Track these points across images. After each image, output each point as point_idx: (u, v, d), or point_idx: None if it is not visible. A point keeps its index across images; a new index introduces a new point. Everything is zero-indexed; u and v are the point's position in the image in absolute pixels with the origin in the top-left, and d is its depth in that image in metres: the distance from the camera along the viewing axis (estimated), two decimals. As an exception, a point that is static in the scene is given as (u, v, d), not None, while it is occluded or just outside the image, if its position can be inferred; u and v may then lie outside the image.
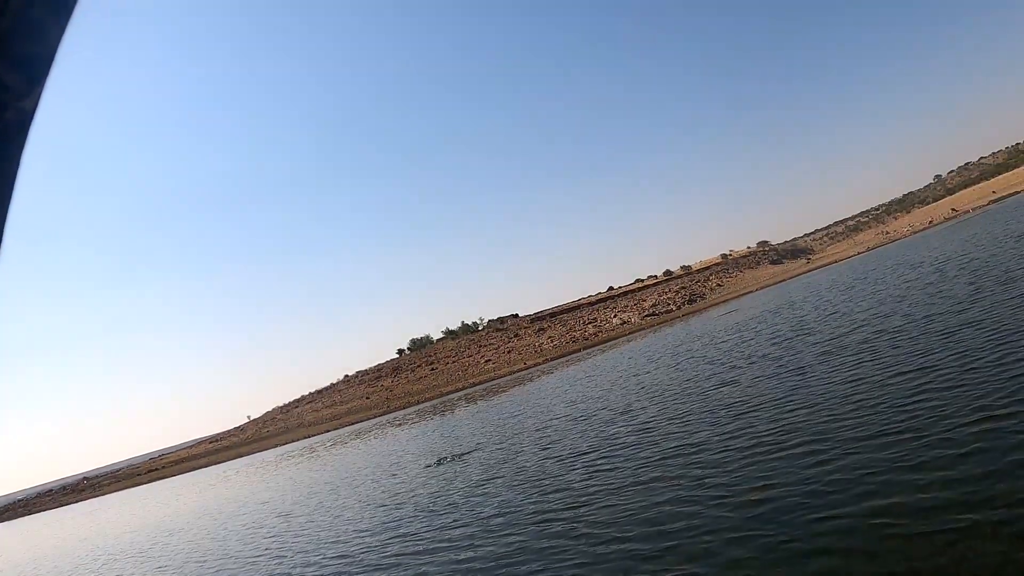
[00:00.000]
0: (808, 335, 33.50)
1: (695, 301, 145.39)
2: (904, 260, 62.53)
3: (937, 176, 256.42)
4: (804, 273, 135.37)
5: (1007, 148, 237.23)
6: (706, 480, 14.87)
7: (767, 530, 10.96)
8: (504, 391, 70.28)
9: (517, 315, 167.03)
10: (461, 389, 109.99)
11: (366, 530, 20.91)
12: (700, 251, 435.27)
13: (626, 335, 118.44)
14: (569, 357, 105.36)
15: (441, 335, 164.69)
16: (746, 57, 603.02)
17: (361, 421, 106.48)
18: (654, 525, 13.00)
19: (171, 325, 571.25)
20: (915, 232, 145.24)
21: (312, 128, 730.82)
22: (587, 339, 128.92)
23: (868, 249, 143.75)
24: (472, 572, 14.09)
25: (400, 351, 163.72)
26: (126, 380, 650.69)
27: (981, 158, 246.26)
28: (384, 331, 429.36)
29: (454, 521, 18.45)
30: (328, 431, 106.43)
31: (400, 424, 68.79)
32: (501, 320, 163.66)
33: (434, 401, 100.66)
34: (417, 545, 17.21)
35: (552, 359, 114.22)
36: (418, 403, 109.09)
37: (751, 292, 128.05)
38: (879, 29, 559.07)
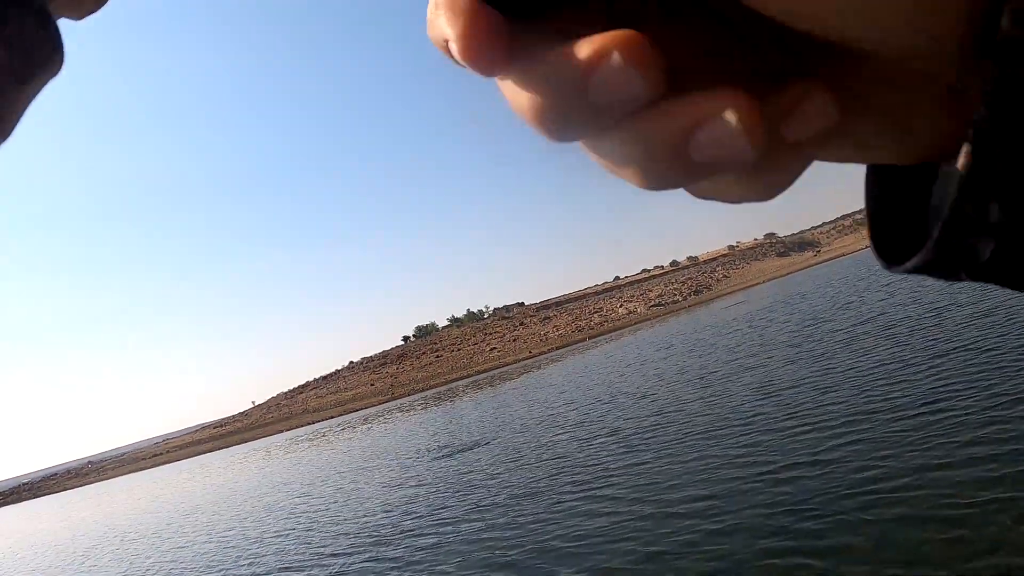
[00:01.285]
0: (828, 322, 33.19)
1: (701, 292, 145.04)
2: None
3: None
4: (812, 266, 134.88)
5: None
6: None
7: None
8: (511, 379, 69.94)
9: (523, 304, 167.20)
10: (466, 377, 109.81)
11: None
12: (707, 242, 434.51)
13: (632, 325, 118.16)
14: (574, 347, 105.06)
15: (447, 323, 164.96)
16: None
17: (366, 408, 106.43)
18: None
19: (176, 310, 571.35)
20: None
21: (320, 113, 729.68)
22: (592, 329, 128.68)
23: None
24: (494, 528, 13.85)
25: (405, 338, 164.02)
26: (131, 365, 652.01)
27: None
28: (390, 318, 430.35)
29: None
30: (333, 417, 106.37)
31: (407, 411, 68.55)
32: (507, 308, 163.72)
33: (439, 388, 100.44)
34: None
35: (557, 348, 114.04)
36: (423, 390, 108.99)
37: (758, 284, 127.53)
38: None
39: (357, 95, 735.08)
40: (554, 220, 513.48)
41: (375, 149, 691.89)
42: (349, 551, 17.31)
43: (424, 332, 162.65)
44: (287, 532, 22.28)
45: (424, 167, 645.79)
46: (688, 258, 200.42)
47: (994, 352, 16.83)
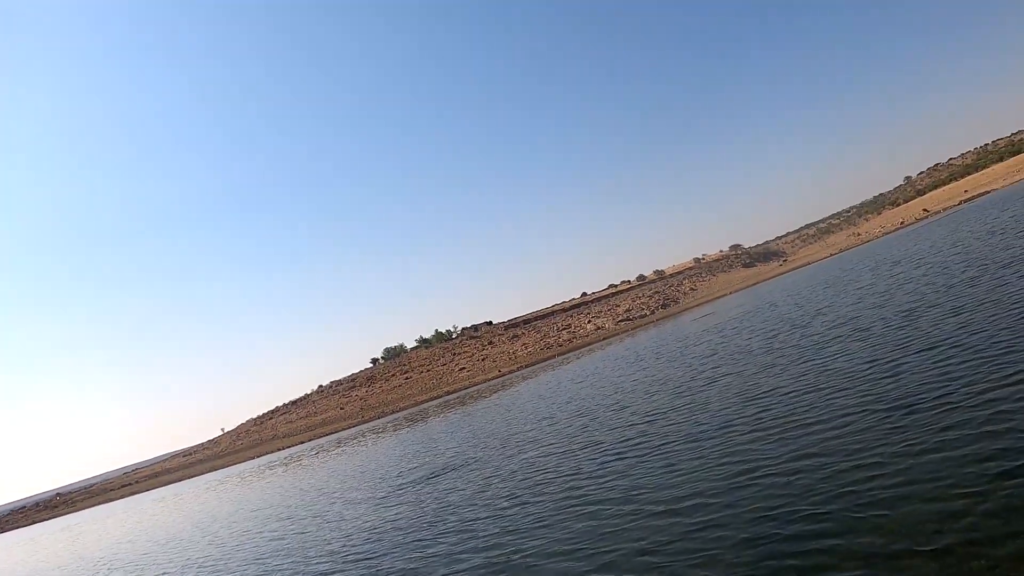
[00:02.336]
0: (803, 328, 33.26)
1: (669, 306, 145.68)
2: (886, 258, 62.50)
3: (907, 177, 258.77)
4: (778, 275, 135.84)
5: (976, 149, 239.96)
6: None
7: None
8: (481, 398, 69.68)
9: (491, 322, 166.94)
10: (436, 398, 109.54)
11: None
12: (673, 256, 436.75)
13: (600, 340, 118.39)
14: (544, 364, 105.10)
15: (415, 344, 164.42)
16: (717, 64, 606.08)
17: (336, 432, 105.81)
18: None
19: (142, 338, 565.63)
20: (887, 233, 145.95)
21: (280, 138, 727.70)
22: (561, 345, 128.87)
23: (840, 251, 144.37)
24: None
25: (374, 360, 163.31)
26: (97, 394, 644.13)
27: (950, 159, 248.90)
28: (358, 340, 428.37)
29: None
30: (303, 442, 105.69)
31: (379, 433, 68.20)
32: (475, 328, 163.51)
33: (409, 410, 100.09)
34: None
35: (527, 366, 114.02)
36: (393, 412, 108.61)
37: (725, 295, 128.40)
38: (848, 37, 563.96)
39: (327, 113, 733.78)
40: (522, 239, 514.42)
41: (342, 172, 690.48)
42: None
43: (393, 353, 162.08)
44: (265, 559, 22.12)
45: (390, 189, 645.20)
46: (655, 272, 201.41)
47: (965, 349, 17.28)
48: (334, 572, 17.36)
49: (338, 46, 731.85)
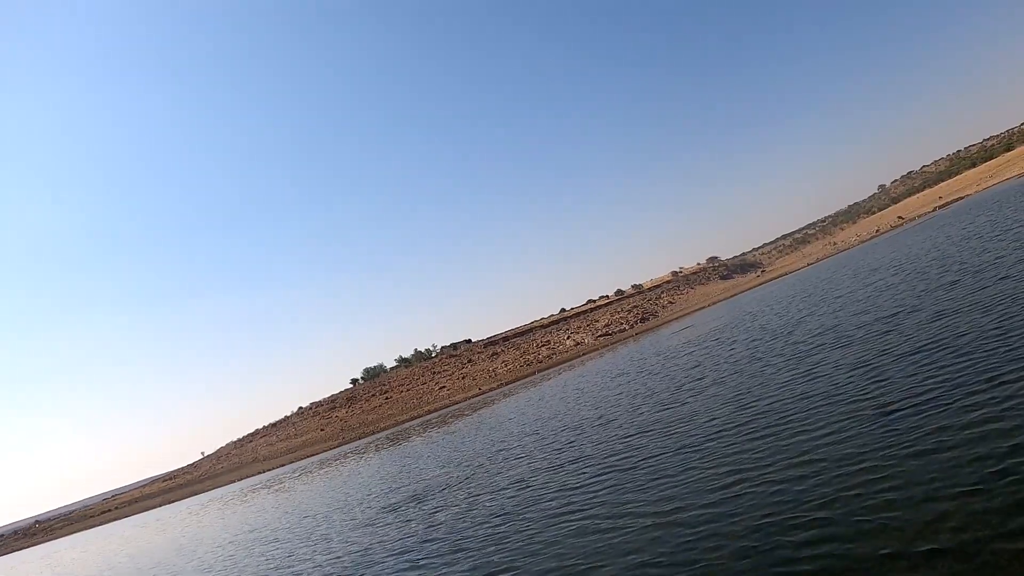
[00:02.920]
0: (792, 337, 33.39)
1: (648, 319, 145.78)
2: (863, 266, 62.83)
3: (881, 186, 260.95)
4: (756, 287, 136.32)
5: (948, 156, 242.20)
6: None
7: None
8: (463, 416, 69.49)
9: (470, 340, 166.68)
10: (417, 417, 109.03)
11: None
12: (651, 269, 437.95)
13: (580, 356, 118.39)
14: (524, 381, 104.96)
15: (395, 363, 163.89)
16: (692, 80, 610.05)
17: (317, 454, 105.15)
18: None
19: (119, 363, 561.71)
20: (863, 241, 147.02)
21: (257, 157, 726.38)
22: (541, 362, 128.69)
23: (817, 260, 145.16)
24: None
25: (354, 381, 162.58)
26: (74, 420, 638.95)
27: (923, 167, 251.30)
28: (337, 361, 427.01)
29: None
30: (283, 465, 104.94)
31: (361, 454, 67.83)
32: (454, 346, 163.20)
33: (390, 430, 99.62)
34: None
35: (507, 383, 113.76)
36: (374, 433, 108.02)
37: (703, 308, 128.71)
38: (819, 49, 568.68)
39: (301, 134, 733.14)
40: (499, 256, 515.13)
41: (319, 192, 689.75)
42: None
43: (372, 374, 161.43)
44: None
45: (367, 209, 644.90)
46: (633, 286, 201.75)
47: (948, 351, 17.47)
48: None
49: (321, 55, 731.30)
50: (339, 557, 21.02)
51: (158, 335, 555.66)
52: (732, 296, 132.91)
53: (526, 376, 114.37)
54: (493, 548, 15.91)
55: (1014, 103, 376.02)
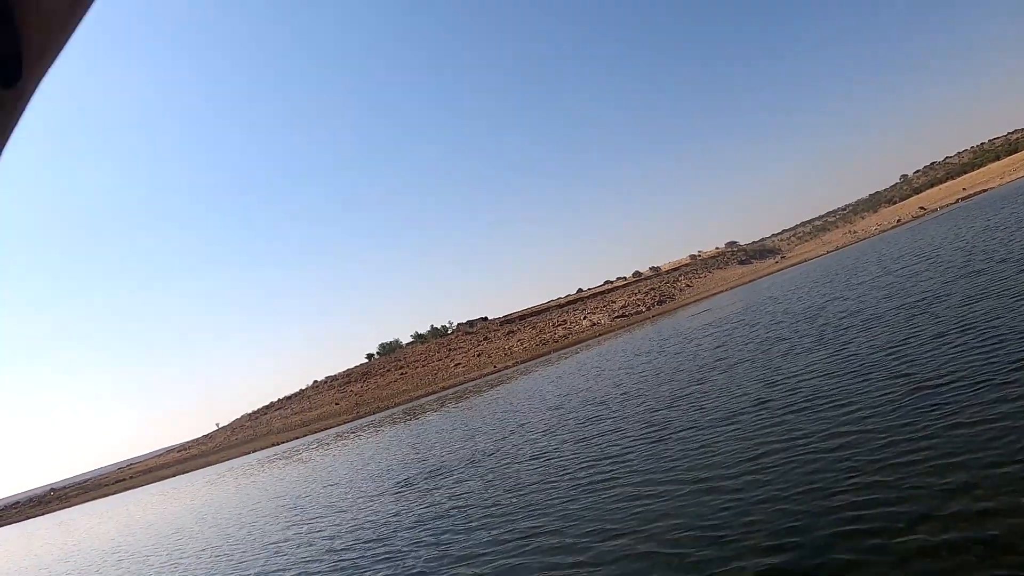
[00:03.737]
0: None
1: (665, 302, 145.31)
2: (885, 254, 62.33)
3: (903, 176, 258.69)
4: (775, 272, 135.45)
5: (972, 148, 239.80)
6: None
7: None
8: (479, 393, 69.21)
9: (486, 318, 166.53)
10: (432, 393, 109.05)
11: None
12: (669, 252, 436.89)
13: (596, 336, 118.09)
14: (540, 359, 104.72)
15: (410, 339, 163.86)
16: (715, 63, 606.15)
17: (331, 427, 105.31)
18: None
19: (136, 333, 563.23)
20: (883, 231, 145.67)
21: (280, 133, 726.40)
22: (557, 341, 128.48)
23: (837, 248, 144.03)
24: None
25: (369, 356, 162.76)
26: (90, 390, 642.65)
27: (947, 158, 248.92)
28: (353, 336, 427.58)
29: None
30: (297, 438, 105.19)
31: (377, 427, 67.74)
32: (470, 323, 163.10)
33: (404, 406, 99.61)
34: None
35: (522, 361, 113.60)
36: (388, 408, 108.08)
37: (721, 292, 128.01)
38: (846, 36, 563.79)
39: (326, 107, 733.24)
40: (518, 234, 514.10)
41: (340, 167, 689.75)
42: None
43: (388, 349, 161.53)
44: (281, 546, 21.95)
45: (387, 185, 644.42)
46: (651, 268, 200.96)
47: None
48: (360, 558, 17.11)
49: (333, 39, 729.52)
50: (366, 523, 20.89)
51: (178, 308, 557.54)
52: (750, 281, 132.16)
53: (542, 355, 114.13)
54: (530, 515, 15.79)
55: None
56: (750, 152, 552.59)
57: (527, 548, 13.46)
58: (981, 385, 13.53)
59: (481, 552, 14.23)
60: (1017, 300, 19.84)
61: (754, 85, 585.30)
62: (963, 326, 19.07)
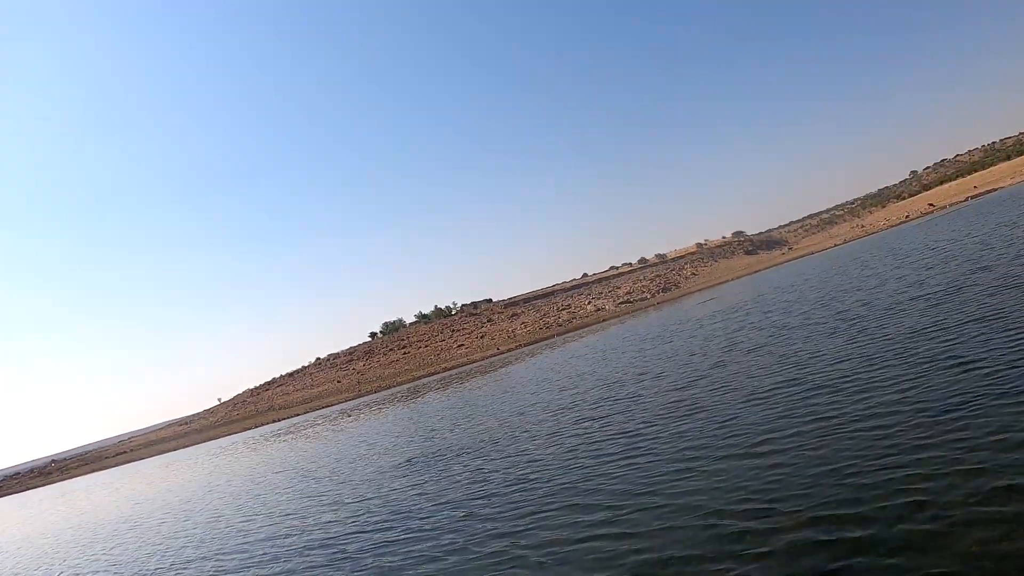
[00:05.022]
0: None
1: (670, 289, 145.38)
2: (894, 248, 61.98)
3: (913, 172, 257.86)
4: (781, 263, 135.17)
5: (983, 146, 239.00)
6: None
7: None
8: (482, 374, 68.88)
9: (491, 300, 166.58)
10: (434, 374, 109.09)
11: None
12: (675, 240, 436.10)
13: (600, 321, 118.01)
14: (543, 343, 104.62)
15: (414, 319, 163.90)
16: (729, 50, 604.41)
17: (332, 405, 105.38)
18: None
19: (139, 307, 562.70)
20: (891, 226, 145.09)
21: (287, 106, 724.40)
22: (560, 325, 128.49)
23: (844, 241, 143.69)
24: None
25: (373, 334, 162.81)
26: (93, 363, 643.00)
27: (957, 155, 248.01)
28: (357, 314, 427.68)
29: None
30: (299, 415, 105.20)
31: (381, 405, 67.50)
32: (474, 305, 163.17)
33: (406, 385, 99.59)
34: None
35: (525, 344, 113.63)
36: (389, 387, 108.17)
37: (727, 281, 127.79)
38: (860, 29, 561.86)
39: (334, 87, 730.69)
40: (524, 217, 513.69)
41: (347, 145, 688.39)
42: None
43: (392, 328, 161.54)
44: (303, 514, 21.71)
45: (394, 164, 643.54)
46: (656, 255, 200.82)
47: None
48: (389, 521, 17.00)
49: (341, 20, 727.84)
50: (386, 497, 20.53)
51: (181, 281, 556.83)
52: (756, 272, 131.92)
53: (545, 338, 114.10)
54: (565, 485, 15.44)
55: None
56: (759, 143, 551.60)
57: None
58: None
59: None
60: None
61: (768, 73, 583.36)
62: (993, 314, 18.83)
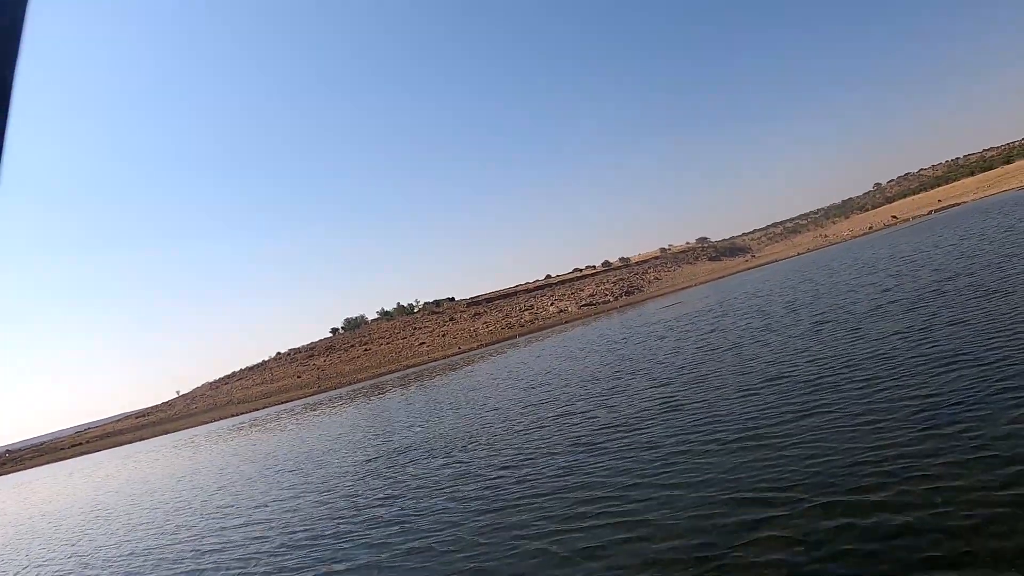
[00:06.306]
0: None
1: (633, 293, 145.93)
2: (857, 259, 62.52)
3: (877, 184, 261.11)
4: (745, 270, 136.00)
5: (947, 162, 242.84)
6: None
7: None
8: (440, 374, 68.79)
9: (453, 299, 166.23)
10: (395, 371, 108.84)
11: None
12: (639, 244, 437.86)
13: (562, 323, 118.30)
14: (505, 343, 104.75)
15: (376, 315, 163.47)
16: (698, 61, 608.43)
17: (292, 400, 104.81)
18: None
19: (93, 297, 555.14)
20: (854, 237, 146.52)
21: (257, 99, 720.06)
22: (523, 326, 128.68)
23: (808, 250, 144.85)
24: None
25: (334, 330, 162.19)
26: (45, 353, 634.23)
27: (921, 170, 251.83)
28: (318, 310, 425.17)
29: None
30: (257, 409, 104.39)
31: (347, 401, 67.06)
32: (437, 303, 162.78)
33: (366, 383, 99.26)
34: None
35: (487, 344, 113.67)
36: (350, 384, 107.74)
37: (689, 287, 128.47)
38: (827, 43, 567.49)
39: (288, 82, 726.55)
40: (488, 215, 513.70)
41: (311, 137, 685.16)
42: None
43: (353, 324, 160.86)
44: (285, 500, 21.42)
45: (356, 158, 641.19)
46: (620, 259, 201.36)
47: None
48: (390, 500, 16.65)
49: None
50: (372, 484, 20.23)
51: (138, 272, 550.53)
52: (720, 278, 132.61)
53: (507, 339, 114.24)
54: (565, 475, 15.27)
55: (1016, 117, 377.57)
56: (724, 150, 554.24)
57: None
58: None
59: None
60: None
61: (735, 85, 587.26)
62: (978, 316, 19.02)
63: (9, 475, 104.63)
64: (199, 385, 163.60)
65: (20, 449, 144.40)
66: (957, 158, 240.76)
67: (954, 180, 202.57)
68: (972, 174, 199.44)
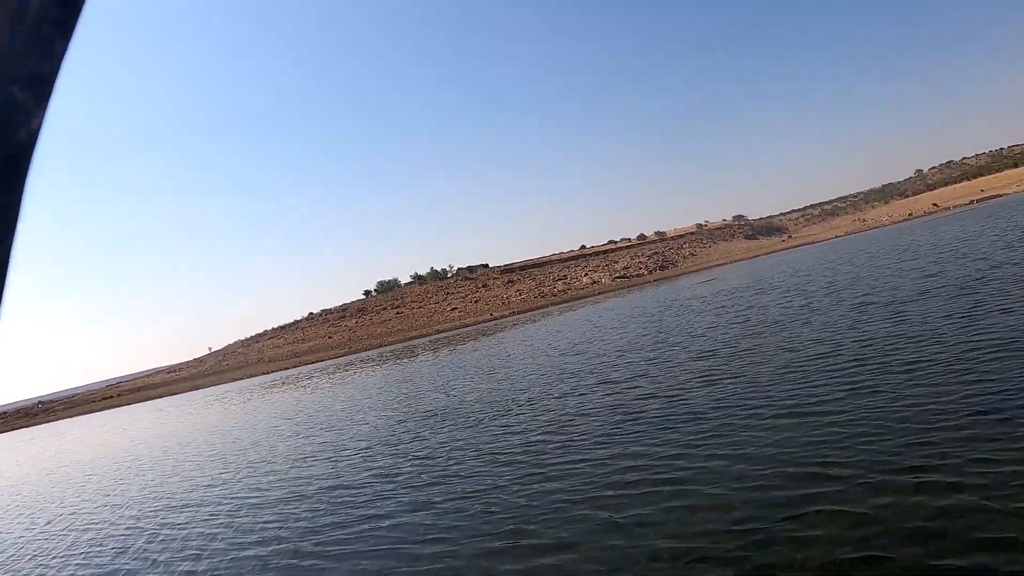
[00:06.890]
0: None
1: (667, 268, 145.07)
2: (897, 245, 61.68)
3: (918, 170, 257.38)
4: (781, 251, 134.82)
5: (991, 151, 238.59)
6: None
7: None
8: (471, 339, 68.55)
9: (487, 265, 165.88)
10: (426, 335, 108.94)
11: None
12: (675, 219, 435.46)
13: (595, 295, 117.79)
14: (538, 311, 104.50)
15: (409, 279, 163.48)
16: (742, 36, 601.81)
17: (322, 360, 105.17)
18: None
19: (128, 252, 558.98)
20: (894, 222, 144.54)
21: (289, 59, 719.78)
22: (556, 295, 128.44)
23: (846, 234, 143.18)
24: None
25: (367, 292, 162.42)
26: (79, 305, 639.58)
27: (964, 158, 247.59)
28: (352, 271, 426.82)
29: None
30: (287, 368, 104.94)
31: (381, 362, 66.99)
32: (471, 269, 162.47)
33: (397, 345, 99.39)
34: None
35: (519, 312, 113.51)
36: (380, 346, 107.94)
37: (724, 264, 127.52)
38: (876, 25, 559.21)
39: (340, 38, 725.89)
40: (524, 184, 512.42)
41: (350, 98, 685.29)
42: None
43: (386, 287, 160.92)
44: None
45: (397, 123, 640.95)
46: (656, 233, 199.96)
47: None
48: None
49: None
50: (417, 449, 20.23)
51: (173, 229, 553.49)
52: (755, 256, 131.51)
53: (539, 307, 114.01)
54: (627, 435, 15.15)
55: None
56: (765, 128, 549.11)
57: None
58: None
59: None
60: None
61: (779, 61, 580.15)
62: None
63: (41, 425, 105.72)
64: (231, 342, 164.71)
65: (52, 400, 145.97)
66: (1001, 148, 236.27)
67: (997, 171, 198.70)
68: (1016, 165, 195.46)
